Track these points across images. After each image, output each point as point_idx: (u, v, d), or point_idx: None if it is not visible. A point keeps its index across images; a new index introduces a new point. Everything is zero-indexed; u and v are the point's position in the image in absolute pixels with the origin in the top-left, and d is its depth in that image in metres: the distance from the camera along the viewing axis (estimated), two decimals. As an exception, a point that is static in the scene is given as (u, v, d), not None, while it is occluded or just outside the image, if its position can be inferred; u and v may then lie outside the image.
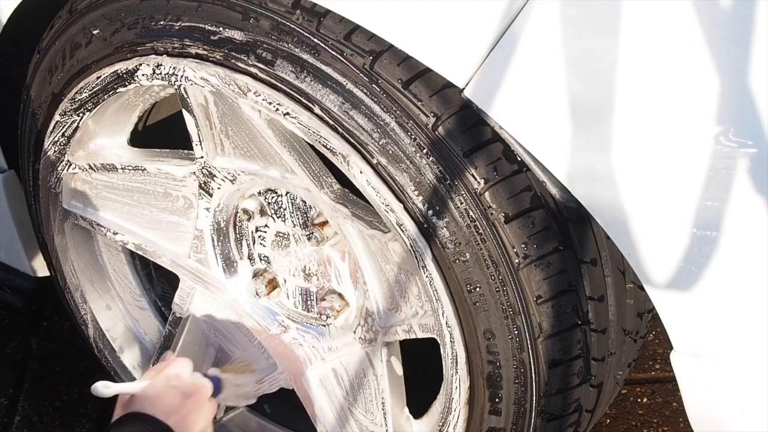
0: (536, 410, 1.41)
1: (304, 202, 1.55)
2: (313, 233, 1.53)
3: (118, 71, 1.52)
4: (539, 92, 1.17)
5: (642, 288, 1.26)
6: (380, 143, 1.30)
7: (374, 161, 1.32)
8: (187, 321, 1.78)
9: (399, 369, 1.62)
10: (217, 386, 1.55)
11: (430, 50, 1.21)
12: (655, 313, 1.27)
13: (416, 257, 1.35)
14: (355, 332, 1.59)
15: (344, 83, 1.30)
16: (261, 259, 1.67)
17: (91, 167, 1.70)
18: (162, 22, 1.44)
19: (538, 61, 1.16)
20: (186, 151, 1.62)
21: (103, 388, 1.46)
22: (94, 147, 1.70)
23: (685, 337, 1.23)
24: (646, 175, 1.14)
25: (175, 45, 1.44)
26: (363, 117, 1.30)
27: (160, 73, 1.48)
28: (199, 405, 1.45)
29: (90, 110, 1.60)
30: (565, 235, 1.32)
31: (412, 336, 1.52)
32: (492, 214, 1.29)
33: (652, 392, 2.11)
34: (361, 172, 1.34)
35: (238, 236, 1.67)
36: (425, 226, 1.32)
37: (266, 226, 1.62)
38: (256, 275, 1.68)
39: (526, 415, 1.42)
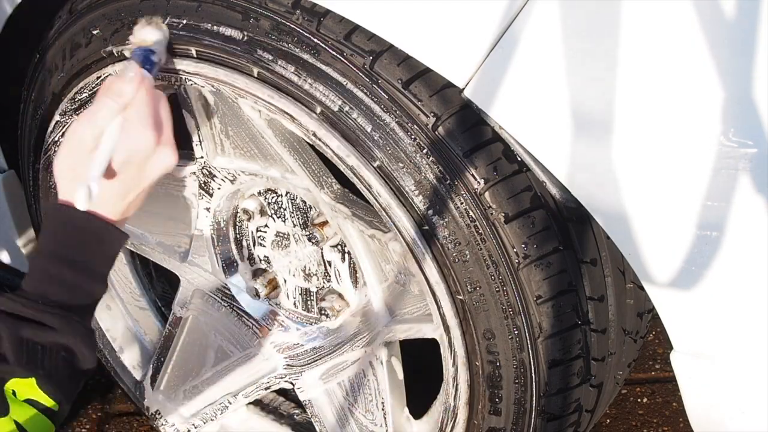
0: (536, 410, 1.41)
1: (304, 202, 1.55)
2: (313, 233, 1.53)
3: (118, 71, 1.52)
4: (539, 92, 1.17)
5: (642, 288, 1.26)
6: (380, 143, 1.30)
7: (374, 161, 1.32)
8: (187, 321, 1.79)
9: (399, 369, 1.62)
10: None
11: (430, 50, 1.21)
12: (655, 313, 1.27)
13: (416, 257, 1.35)
14: (354, 332, 1.60)
15: (344, 83, 1.30)
16: (261, 259, 1.67)
17: (91, 167, 1.70)
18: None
19: (538, 62, 1.16)
20: (186, 151, 1.62)
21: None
22: (94, 147, 1.70)
23: (685, 337, 1.23)
24: (647, 175, 1.14)
25: (175, 45, 1.44)
26: (363, 117, 1.30)
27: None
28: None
29: (90, 110, 1.61)
30: (565, 235, 1.32)
31: (412, 336, 1.52)
32: (492, 214, 1.29)
33: (652, 392, 2.11)
34: (360, 172, 1.34)
35: (238, 236, 1.67)
36: (425, 226, 1.32)
37: (266, 226, 1.62)
38: (256, 275, 1.68)
39: (526, 415, 1.42)
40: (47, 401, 1.20)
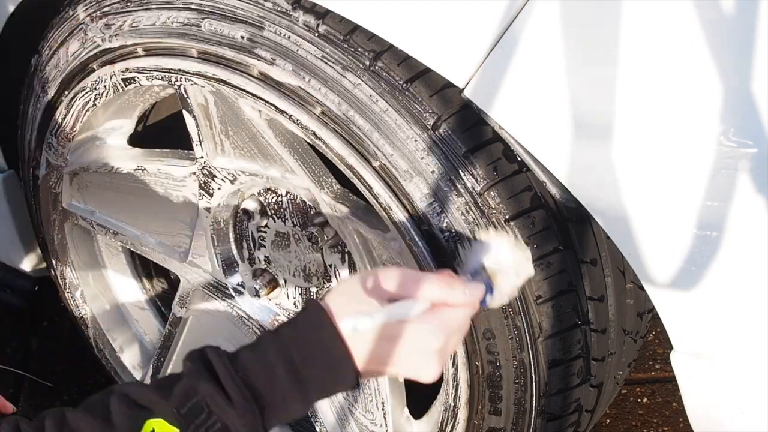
0: (536, 410, 1.41)
1: (304, 202, 1.55)
2: (313, 233, 1.53)
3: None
4: (539, 92, 1.17)
5: (642, 288, 1.26)
6: (380, 143, 1.30)
7: (374, 161, 1.32)
8: (187, 321, 1.79)
9: (399, 369, 1.62)
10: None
11: (430, 50, 1.21)
12: (655, 313, 1.27)
13: (416, 257, 1.35)
14: (355, 332, 1.59)
15: (344, 83, 1.30)
16: (261, 260, 1.67)
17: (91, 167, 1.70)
18: (162, 22, 1.44)
19: (538, 61, 1.16)
20: (186, 151, 1.62)
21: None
22: (94, 147, 1.70)
23: (685, 337, 1.23)
24: (647, 175, 1.14)
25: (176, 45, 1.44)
26: (362, 117, 1.30)
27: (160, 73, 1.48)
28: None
29: (90, 110, 1.60)
30: (565, 235, 1.32)
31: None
32: (492, 214, 1.29)
33: (652, 392, 2.11)
34: (360, 173, 1.34)
35: (238, 236, 1.67)
36: (425, 226, 1.32)
37: (266, 226, 1.62)
38: (256, 275, 1.68)
39: (526, 415, 1.42)
40: None
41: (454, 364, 1.42)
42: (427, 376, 1.15)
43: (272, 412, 1.10)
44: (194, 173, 1.59)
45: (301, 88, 1.33)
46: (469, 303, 1.15)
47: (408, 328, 1.11)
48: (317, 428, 1.73)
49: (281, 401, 1.10)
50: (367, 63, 1.28)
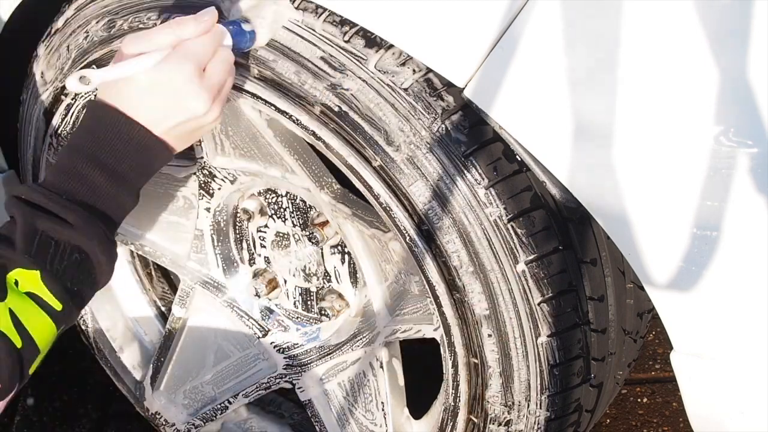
0: (536, 410, 1.41)
1: (304, 202, 1.55)
2: (313, 233, 1.53)
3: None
4: (539, 92, 1.17)
5: (642, 288, 1.26)
6: (380, 143, 1.30)
7: (374, 161, 1.32)
8: (187, 321, 1.79)
9: (399, 369, 1.62)
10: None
11: (430, 50, 1.21)
12: (655, 313, 1.27)
13: (416, 257, 1.35)
14: (354, 332, 1.59)
15: (344, 83, 1.30)
16: (261, 260, 1.67)
17: (91, 167, 1.70)
18: (162, 22, 1.44)
19: (539, 61, 1.16)
20: (186, 151, 1.62)
21: (80, 81, 1.16)
22: (94, 147, 1.70)
23: (685, 337, 1.23)
24: (647, 175, 1.14)
25: (175, 45, 1.44)
26: (362, 117, 1.30)
27: (160, 73, 1.48)
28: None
29: (90, 110, 1.61)
30: (565, 235, 1.32)
31: (412, 336, 1.52)
32: (492, 214, 1.29)
33: (652, 392, 2.11)
34: (360, 172, 1.34)
35: (238, 236, 1.67)
36: (425, 226, 1.32)
37: (266, 226, 1.62)
38: (256, 275, 1.68)
39: (526, 415, 1.42)
40: (51, 300, 1.12)
41: (454, 365, 1.42)
42: (196, 108, 1.19)
43: (111, 216, 1.16)
44: (194, 173, 1.59)
45: (301, 87, 1.33)
46: (205, 29, 1.19)
47: (155, 73, 1.16)
48: (317, 428, 1.73)
49: (113, 203, 1.16)
50: (367, 63, 1.28)
